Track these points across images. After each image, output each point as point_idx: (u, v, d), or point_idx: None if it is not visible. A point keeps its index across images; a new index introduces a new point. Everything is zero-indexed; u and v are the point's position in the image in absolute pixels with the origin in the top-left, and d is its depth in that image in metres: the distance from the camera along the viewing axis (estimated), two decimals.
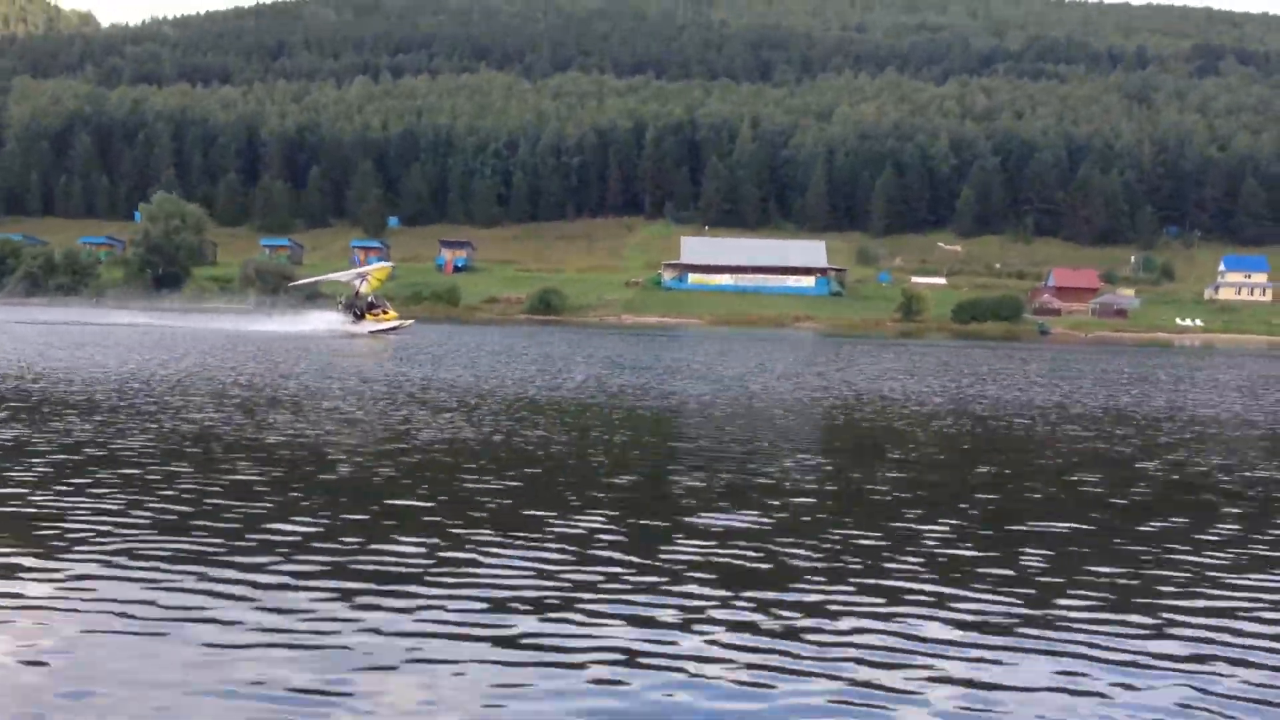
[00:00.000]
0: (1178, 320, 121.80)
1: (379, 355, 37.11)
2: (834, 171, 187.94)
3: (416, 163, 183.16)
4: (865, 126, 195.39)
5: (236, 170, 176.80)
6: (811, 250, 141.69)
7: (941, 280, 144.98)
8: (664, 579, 7.80)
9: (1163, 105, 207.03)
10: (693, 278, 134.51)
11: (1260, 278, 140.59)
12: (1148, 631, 7.15)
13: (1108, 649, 6.79)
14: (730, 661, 6.29)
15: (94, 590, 7.18)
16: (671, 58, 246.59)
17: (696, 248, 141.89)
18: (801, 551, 8.81)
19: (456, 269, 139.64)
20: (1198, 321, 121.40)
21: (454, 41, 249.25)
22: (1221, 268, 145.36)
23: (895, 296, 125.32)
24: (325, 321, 59.62)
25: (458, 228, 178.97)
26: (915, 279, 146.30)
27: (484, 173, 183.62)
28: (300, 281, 79.88)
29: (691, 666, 6.16)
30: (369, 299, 58.95)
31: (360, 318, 57.85)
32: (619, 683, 5.94)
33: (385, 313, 59.06)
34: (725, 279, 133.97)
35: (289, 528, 9.06)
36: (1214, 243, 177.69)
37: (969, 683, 6.11)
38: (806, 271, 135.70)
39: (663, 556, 8.46)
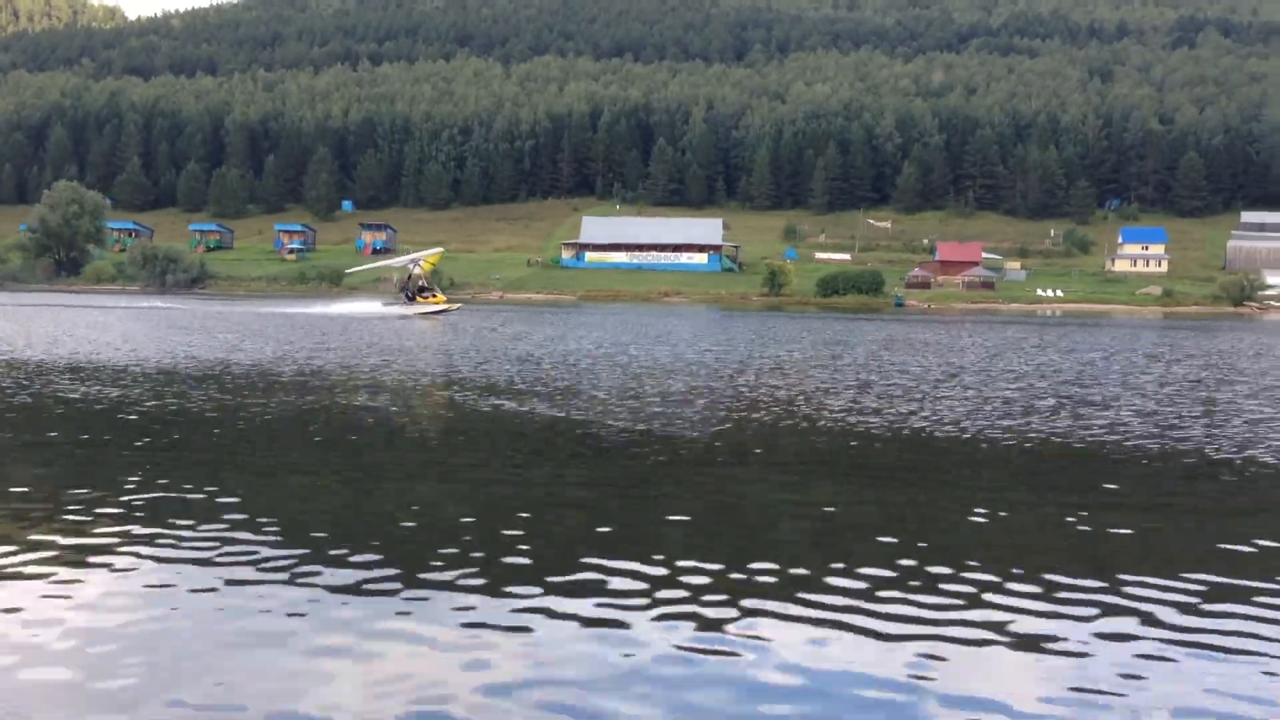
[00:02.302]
0: (1038, 291, 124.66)
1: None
2: (780, 151, 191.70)
3: (372, 149, 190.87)
4: (815, 106, 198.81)
5: (200, 159, 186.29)
6: (708, 228, 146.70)
7: (847, 256, 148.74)
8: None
9: (1121, 79, 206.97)
10: (589, 256, 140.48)
11: (1157, 249, 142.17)
12: None
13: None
14: None
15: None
16: (652, 40, 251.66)
17: (595, 227, 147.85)
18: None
19: (375, 251, 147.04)
20: (1058, 292, 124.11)
21: (441, 28, 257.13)
22: (1120, 240, 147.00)
23: (795, 271, 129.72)
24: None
25: (411, 212, 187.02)
26: (820, 255, 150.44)
27: (438, 158, 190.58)
28: (357, 269, 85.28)
29: None
30: (420, 283, 65.05)
31: (411, 300, 64.12)
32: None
33: (435, 296, 65.11)
34: (621, 257, 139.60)
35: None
36: (1154, 215, 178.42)
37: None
38: (699, 249, 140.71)
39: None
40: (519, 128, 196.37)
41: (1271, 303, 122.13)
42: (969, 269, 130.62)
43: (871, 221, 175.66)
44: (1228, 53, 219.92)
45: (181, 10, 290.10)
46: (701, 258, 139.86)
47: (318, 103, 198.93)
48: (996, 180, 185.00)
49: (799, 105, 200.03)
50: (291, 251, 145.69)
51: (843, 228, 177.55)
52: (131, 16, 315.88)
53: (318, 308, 69.76)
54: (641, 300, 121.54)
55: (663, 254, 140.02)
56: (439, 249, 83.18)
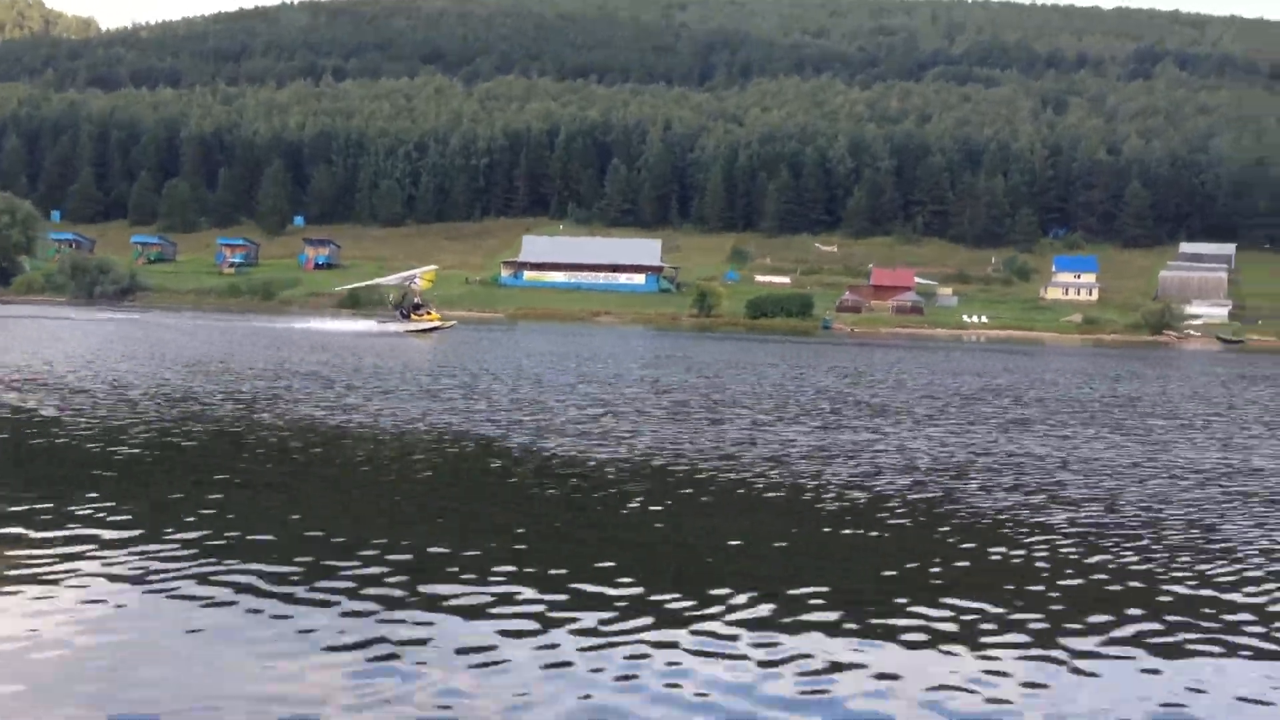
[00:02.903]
0: (964, 317, 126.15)
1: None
2: (733, 173, 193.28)
3: (326, 164, 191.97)
4: (770, 129, 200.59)
5: (153, 171, 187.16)
6: (646, 249, 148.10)
7: (787, 279, 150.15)
8: None
9: (1074, 110, 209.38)
10: (528, 275, 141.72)
11: (1088, 278, 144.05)
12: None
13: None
14: None
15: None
16: (619, 63, 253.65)
17: (535, 246, 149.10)
18: None
19: (317, 266, 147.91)
20: (984, 319, 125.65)
21: (408, 47, 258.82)
22: (1054, 268, 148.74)
23: (728, 294, 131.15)
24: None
25: (364, 228, 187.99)
26: (760, 277, 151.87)
27: (392, 174, 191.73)
28: (349, 286, 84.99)
29: None
30: (415, 300, 65.03)
31: (406, 317, 63.97)
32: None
33: (429, 314, 65.02)
34: (560, 276, 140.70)
35: None
36: (1099, 244, 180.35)
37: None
38: (637, 269, 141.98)
39: None
40: (475, 145, 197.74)
41: (1191, 331, 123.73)
42: (900, 294, 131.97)
43: (819, 245, 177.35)
44: (1182, 85, 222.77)
45: (151, 23, 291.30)
46: (639, 278, 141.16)
47: (273, 116, 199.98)
48: (945, 207, 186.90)
49: (755, 129, 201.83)
50: (232, 265, 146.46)
51: (792, 251, 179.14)
52: (106, 28, 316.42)
53: (313, 324, 69.80)
54: (573, 320, 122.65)
55: (600, 274, 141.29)
56: (434, 267, 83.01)
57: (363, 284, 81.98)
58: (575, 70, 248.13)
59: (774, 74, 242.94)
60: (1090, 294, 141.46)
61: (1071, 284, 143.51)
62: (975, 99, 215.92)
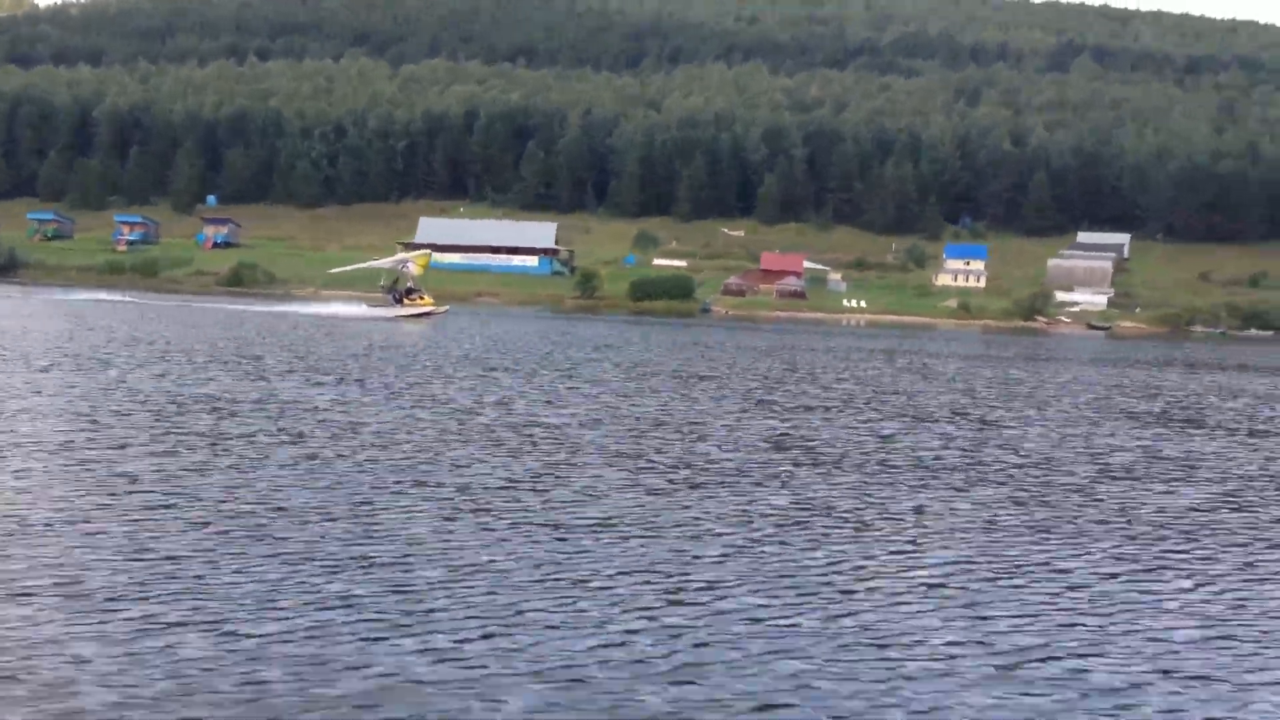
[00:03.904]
0: (844, 302, 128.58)
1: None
2: (650, 159, 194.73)
3: (241, 143, 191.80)
4: (688, 116, 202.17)
5: (66, 149, 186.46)
6: (541, 231, 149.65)
7: (684, 263, 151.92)
8: None
9: (987, 101, 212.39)
10: None
11: (978, 265, 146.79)
12: None
13: None
14: None
15: None
16: (549, 47, 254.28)
17: (432, 228, 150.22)
18: None
19: (216, 245, 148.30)
20: (862, 304, 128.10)
21: (337, 28, 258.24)
22: (944, 256, 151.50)
23: (608, 276, 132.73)
24: None
25: (278, 208, 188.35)
26: (658, 261, 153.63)
27: (309, 155, 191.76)
28: (342, 269, 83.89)
29: None
30: (409, 284, 64.02)
31: (399, 302, 63.03)
32: None
33: (422, 298, 64.06)
34: (455, 258, 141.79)
35: None
36: (1004, 234, 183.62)
37: None
38: (531, 252, 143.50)
39: None
40: (393, 128, 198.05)
41: (1062, 318, 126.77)
42: (787, 278, 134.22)
43: (726, 231, 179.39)
44: (1097, 78, 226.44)
45: (84, 0, 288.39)
46: (532, 261, 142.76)
47: (190, 96, 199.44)
48: (854, 195, 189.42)
49: (673, 115, 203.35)
50: (130, 243, 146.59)
51: (701, 236, 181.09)
52: (40, 4, 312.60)
53: (307, 308, 69.69)
54: (457, 300, 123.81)
55: (495, 256, 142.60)
56: (427, 251, 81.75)
57: (355, 267, 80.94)
58: (506, 54, 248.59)
59: (702, 60, 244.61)
60: (978, 281, 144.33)
61: (961, 271, 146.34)
62: (894, 89, 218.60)
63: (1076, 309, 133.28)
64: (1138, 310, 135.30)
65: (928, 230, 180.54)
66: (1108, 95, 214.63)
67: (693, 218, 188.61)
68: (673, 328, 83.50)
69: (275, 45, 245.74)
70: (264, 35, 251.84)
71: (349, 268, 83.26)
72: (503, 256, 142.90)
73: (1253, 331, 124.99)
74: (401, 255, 70.96)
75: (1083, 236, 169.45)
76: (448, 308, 69.76)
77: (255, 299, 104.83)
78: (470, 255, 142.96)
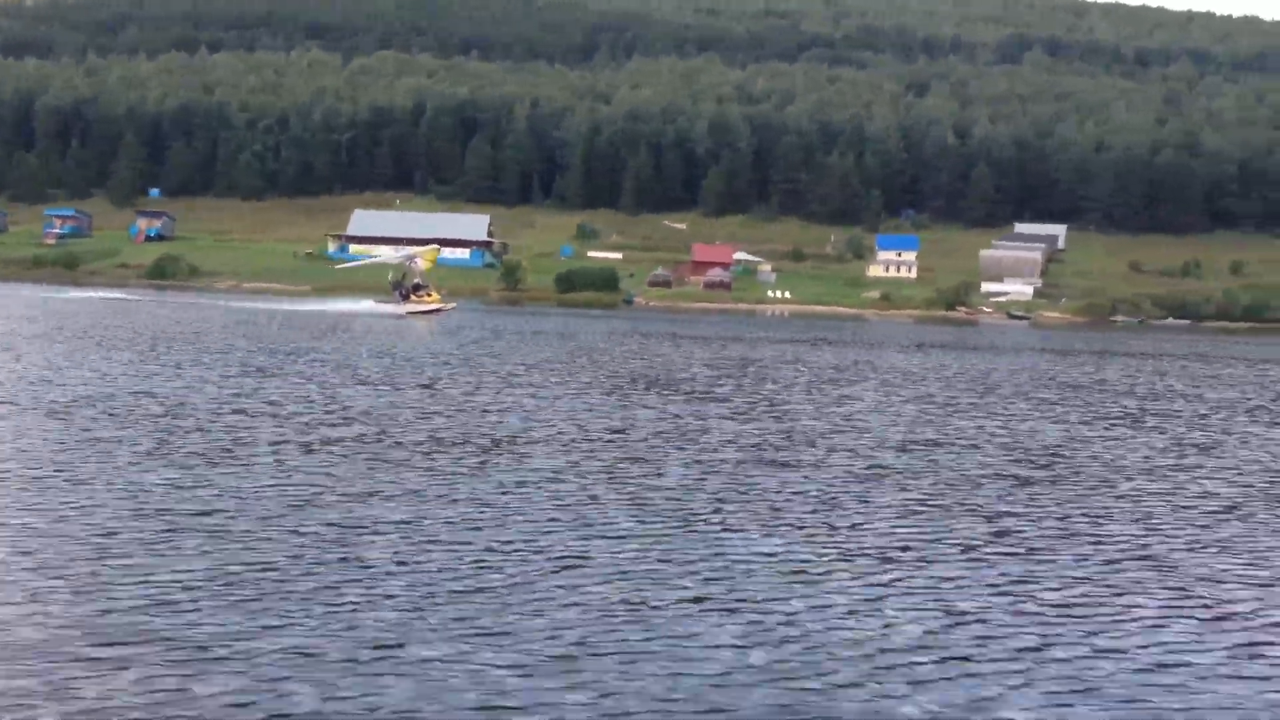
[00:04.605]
0: (769, 293, 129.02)
1: None
2: (595, 152, 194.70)
3: (184, 136, 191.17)
4: (635, 109, 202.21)
5: (6, 142, 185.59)
6: (473, 224, 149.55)
7: (620, 255, 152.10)
8: None
9: (935, 94, 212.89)
10: (353, 248, 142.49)
11: (909, 256, 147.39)
12: None
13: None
14: None
15: None
16: (504, 40, 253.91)
17: (365, 220, 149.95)
18: None
19: (149, 238, 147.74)
20: (786, 294, 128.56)
21: (290, 20, 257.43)
22: (877, 247, 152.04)
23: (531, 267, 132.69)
24: None
25: (221, 201, 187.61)
26: (593, 254, 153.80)
27: (252, 148, 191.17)
28: (348, 265, 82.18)
29: None
30: (416, 280, 62.73)
31: (406, 298, 61.79)
32: None
33: (429, 295, 62.77)
34: (386, 250, 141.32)
35: None
36: (946, 225, 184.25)
37: None
38: (463, 244, 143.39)
39: None
40: (338, 120, 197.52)
41: (984, 308, 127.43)
42: (714, 270, 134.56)
43: (668, 224, 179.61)
44: (1046, 70, 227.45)
45: None
46: (464, 253, 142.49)
47: (133, 89, 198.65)
48: (799, 187, 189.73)
49: (620, 108, 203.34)
50: (60, 237, 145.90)
51: (644, 229, 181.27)
52: None
53: (312, 305, 69.15)
54: (381, 292, 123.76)
55: (405, 248, 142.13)
56: (435, 246, 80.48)
57: (361, 263, 79.35)
58: (459, 47, 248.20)
59: (656, 54, 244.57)
60: (910, 272, 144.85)
61: (893, 262, 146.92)
62: (842, 81, 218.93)
63: (1004, 299, 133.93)
64: (1063, 301, 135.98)
65: (870, 222, 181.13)
66: (1054, 88, 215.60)
67: (638, 210, 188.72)
68: (569, 318, 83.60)
69: (228, 38, 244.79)
70: (217, 28, 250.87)
71: (353, 264, 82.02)
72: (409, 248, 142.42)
73: (1170, 320, 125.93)
74: (409, 250, 69.80)
75: (1020, 227, 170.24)
76: (455, 304, 68.65)
77: (176, 292, 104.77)
78: (402, 247, 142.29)
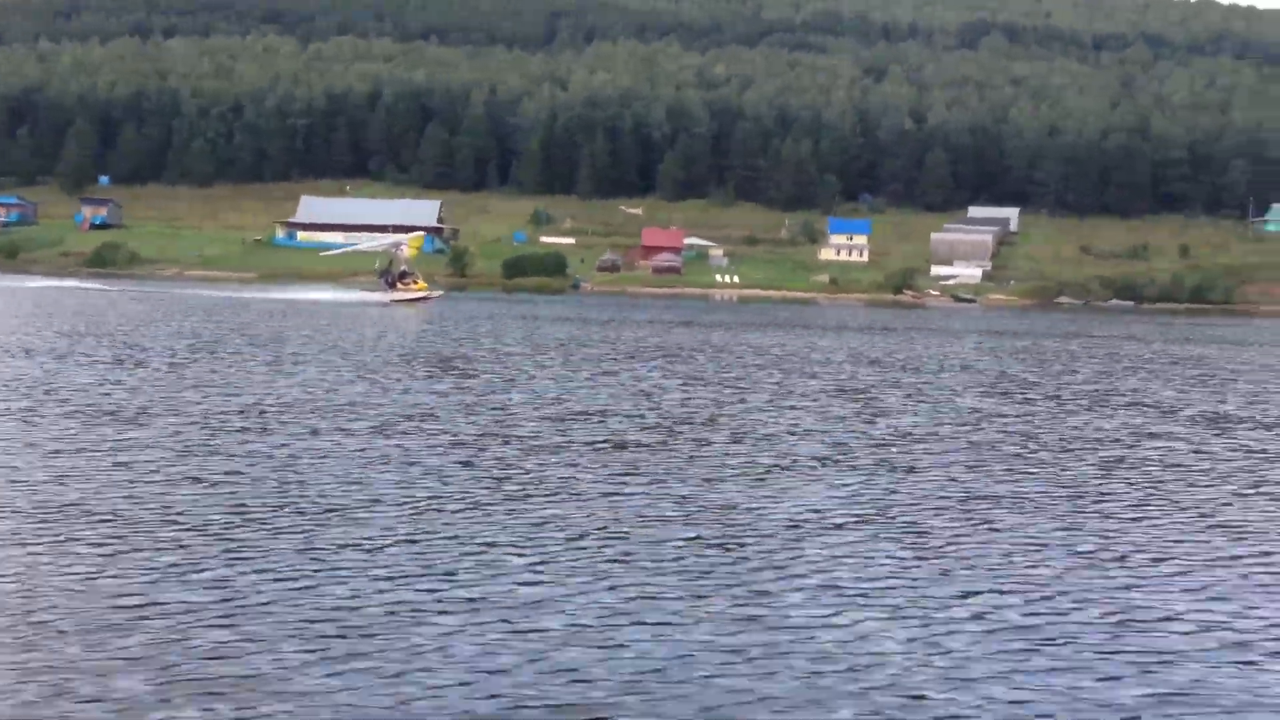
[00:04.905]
0: (716, 277, 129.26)
1: None
2: (553, 137, 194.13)
3: (134, 122, 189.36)
4: (592, 94, 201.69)
5: None
6: (424, 209, 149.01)
7: (572, 240, 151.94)
8: None
9: (892, 79, 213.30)
10: (301, 235, 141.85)
11: (861, 240, 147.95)
12: None
13: None
14: None
15: None
16: (462, 24, 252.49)
17: (314, 206, 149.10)
18: None
19: (94, 226, 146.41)
20: (735, 278, 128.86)
21: (249, 4, 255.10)
22: (829, 231, 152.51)
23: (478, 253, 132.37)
24: None
25: (173, 188, 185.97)
26: (546, 239, 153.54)
27: (206, 134, 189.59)
28: (335, 251, 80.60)
29: None
30: (403, 268, 61.43)
31: (391, 286, 60.52)
32: None
33: (416, 283, 61.50)
34: (336, 236, 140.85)
35: None
36: (903, 209, 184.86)
37: None
38: (412, 229, 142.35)
39: None
40: (293, 106, 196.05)
41: (931, 291, 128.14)
42: (663, 254, 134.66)
43: (624, 209, 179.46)
44: (1003, 56, 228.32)
45: None
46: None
47: (84, 75, 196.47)
48: (756, 172, 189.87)
49: (578, 93, 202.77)
50: (6, 225, 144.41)
51: (601, 214, 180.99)
52: None
53: (294, 294, 68.31)
54: (325, 279, 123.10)
55: (375, 234, 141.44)
56: (420, 233, 79.30)
57: (346, 249, 78.26)
58: (419, 31, 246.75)
59: (616, 39, 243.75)
60: (861, 255, 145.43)
61: (845, 245, 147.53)
62: (801, 66, 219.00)
63: (952, 282, 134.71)
64: (1011, 284, 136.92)
65: (826, 207, 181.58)
66: (1010, 73, 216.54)
67: (595, 196, 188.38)
68: (496, 304, 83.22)
69: (183, 23, 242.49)
70: (172, 13, 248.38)
71: (339, 250, 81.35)
72: (381, 235, 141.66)
73: (1114, 302, 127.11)
74: (395, 237, 68.92)
75: (973, 211, 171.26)
76: (441, 292, 68.13)
77: (117, 279, 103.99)
78: (352, 234, 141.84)
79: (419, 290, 59.74)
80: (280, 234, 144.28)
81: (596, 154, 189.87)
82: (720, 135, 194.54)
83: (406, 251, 63.27)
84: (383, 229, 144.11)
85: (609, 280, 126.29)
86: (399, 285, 60.37)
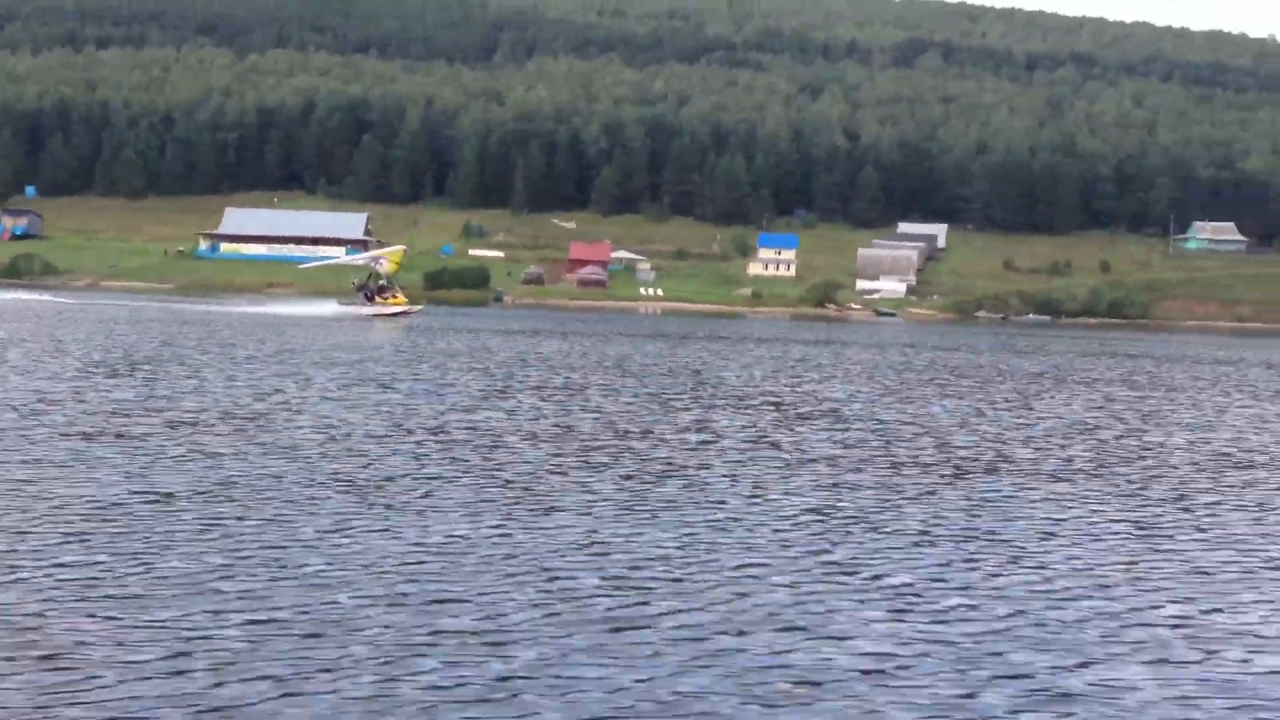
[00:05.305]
0: (641, 290, 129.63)
1: None
2: (487, 151, 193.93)
3: (62, 134, 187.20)
4: (528, 108, 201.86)
5: None
6: (350, 222, 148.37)
7: (501, 254, 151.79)
8: None
9: (826, 96, 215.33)
10: (225, 247, 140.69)
11: (789, 254, 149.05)
12: None
13: None
14: None
15: None
16: (403, 38, 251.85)
17: (238, 218, 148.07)
18: None
19: (15, 236, 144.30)
20: (659, 292, 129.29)
21: (184, 16, 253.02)
22: (758, 246, 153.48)
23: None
24: None
25: (101, 200, 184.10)
26: (474, 252, 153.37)
27: (136, 146, 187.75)
28: (312, 264, 78.53)
29: None
30: (382, 282, 59.64)
31: (370, 300, 58.72)
32: None
33: (395, 297, 59.96)
34: (260, 249, 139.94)
35: None
36: (836, 225, 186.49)
37: None
38: (338, 243, 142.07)
39: None
40: (224, 119, 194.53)
41: (853, 305, 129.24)
42: (588, 267, 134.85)
43: (557, 223, 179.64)
44: (937, 74, 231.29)
45: None
46: (339, 252, 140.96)
47: (12, 84, 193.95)
48: (691, 187, 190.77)
49: (514, 108, 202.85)
50: (16, 237, 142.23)
51: (534, 228, 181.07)
52: None
53: (270, 308, 66.93)
54: (249, 291, 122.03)
55: (300, 247, 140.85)
56: (401, 247, 78.35)
57: (324, 263, 76.95)
58: (357, 45, 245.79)
59: (556, 54, 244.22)
60: (789, 270, 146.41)
61: (773, 260, 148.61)
62: (739, 84, 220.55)
63: (876, 296, 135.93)
64: (934, 298, 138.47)
65: (760, 222, 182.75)
66: (942, 91, 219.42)
67: (530, 210, 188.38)
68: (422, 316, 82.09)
69: (116, 34, 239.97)
70: (106, 24, 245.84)
71: (315, 264, 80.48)
72: (307, 248, 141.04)
73: (1031, 316, 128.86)
74: (375, 251, 68.02)
75: (903, 227, 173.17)
76: (421, 306, 67.30)
77: (35, 289, 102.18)
78: (275, 246, 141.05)
79: (398, 304, 59.30)
80: (203, 246, 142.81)
81: (531, 168, 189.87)
82: (656, 151, 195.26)
83: (385, 266, 62.87)
84: (311, 241, 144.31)
85: (533, 293, 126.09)
86: (378, 299, 59.89)
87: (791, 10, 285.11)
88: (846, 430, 23.14)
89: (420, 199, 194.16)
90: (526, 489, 14.94)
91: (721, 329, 78.33)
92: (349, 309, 61.44)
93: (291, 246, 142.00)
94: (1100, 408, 30.69)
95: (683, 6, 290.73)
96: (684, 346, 53.82)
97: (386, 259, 64.28)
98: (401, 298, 62.03)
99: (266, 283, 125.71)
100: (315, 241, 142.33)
